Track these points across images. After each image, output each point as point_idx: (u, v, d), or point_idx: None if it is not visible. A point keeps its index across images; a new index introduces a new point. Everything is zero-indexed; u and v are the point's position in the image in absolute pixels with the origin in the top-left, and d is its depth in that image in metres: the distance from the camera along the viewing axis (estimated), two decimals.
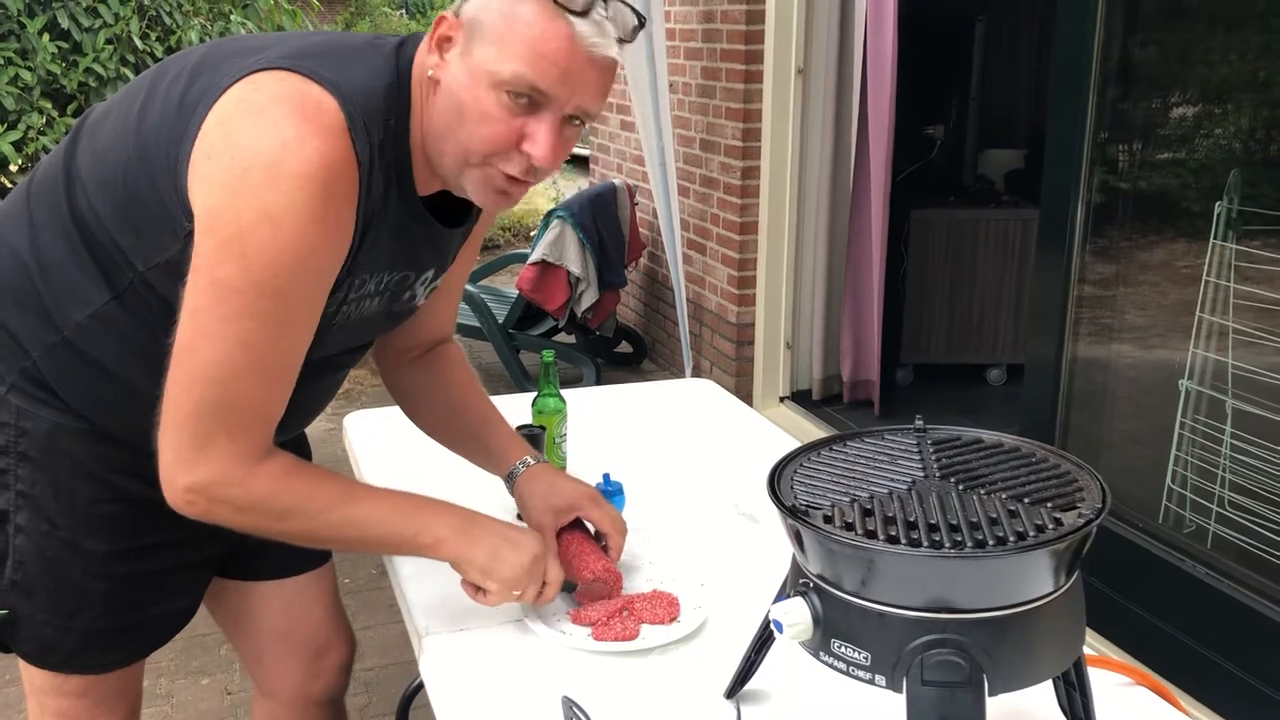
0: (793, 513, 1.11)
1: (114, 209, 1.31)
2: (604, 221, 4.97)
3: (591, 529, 1.60)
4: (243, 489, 1.29)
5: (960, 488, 1.16)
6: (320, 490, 1.35)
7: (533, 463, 1.61)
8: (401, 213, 1.36)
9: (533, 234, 5.46)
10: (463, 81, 1.26)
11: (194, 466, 1.26)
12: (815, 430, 4.16)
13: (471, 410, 1.69)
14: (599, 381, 4.94)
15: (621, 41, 1.27)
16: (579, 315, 4.94)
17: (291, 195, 1.18)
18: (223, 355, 1.23)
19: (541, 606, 1.49)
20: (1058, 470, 1.20)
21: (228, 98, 1.23)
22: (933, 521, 1.08)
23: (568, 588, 1.51)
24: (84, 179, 1.33)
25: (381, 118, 1.27)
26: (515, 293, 4.97)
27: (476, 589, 1.44)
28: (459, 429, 1.68)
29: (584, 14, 1.22)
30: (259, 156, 1.18)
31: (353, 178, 1.23)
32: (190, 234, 1.23)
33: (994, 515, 1.09)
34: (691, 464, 2.08)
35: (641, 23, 1.29)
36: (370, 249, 1.33)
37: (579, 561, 1.52)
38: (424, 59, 1.30)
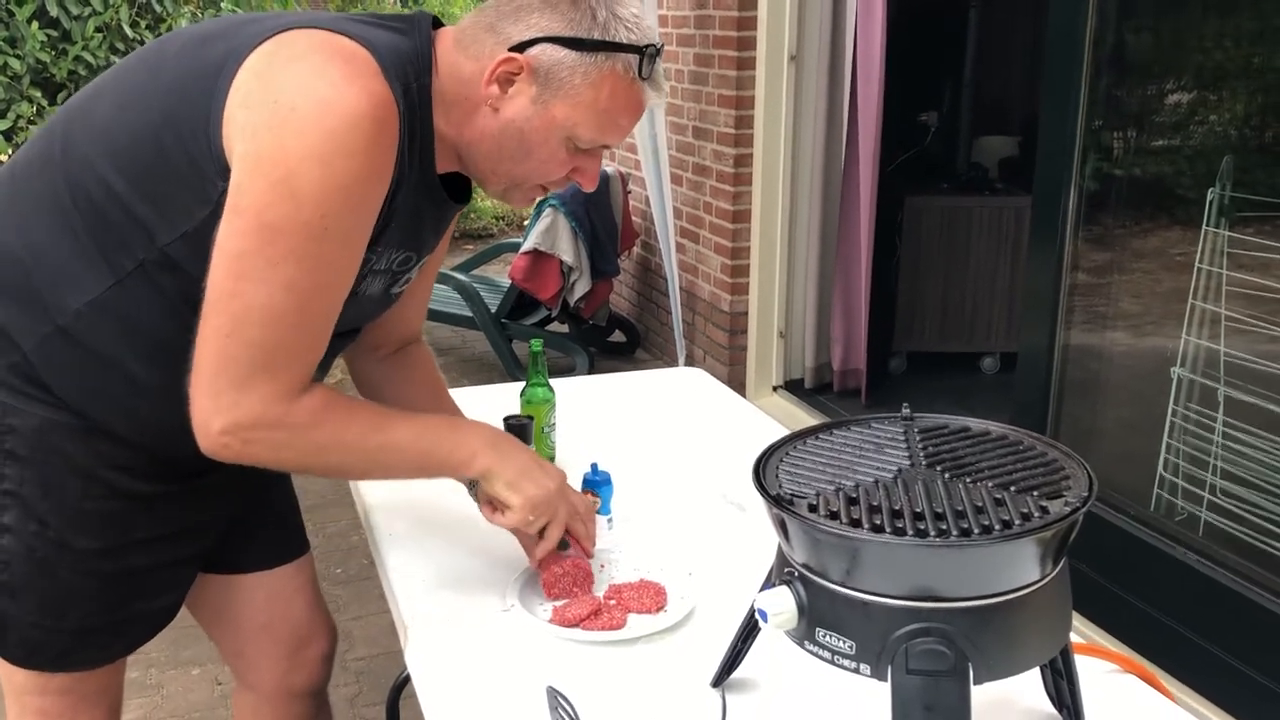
0: (777, 502, 1.11)
1: (129, 181, 1.28)
2: (597, 210, 4.95)
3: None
4: (279, 428, 1.29)
5: (946, 476, 1.15)
6: (356, 420, 1.36)
7: None
8: (420, 188, 1.37)
9: (525, 223, 5.45)
10: (534, 124, 1.32)
11: (232, 409, 1.26)
12: (808, 419, 4.15)
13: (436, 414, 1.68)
14: (592, 371, 4.93)
15: None
16: (572, 304, 4.93)
17: (342, 134, 1.19)
18: (267, 298, 1.23)
19: (539, 559, 1.51)
20: (1045, 458, 1.19)
21: (260, 53, 1.24)
22: (918, 510, 1.08)
23: (563, 546, 1.52)
24: (89, 156, 1.31)
25: (405, 77, 1.29)
26: (508, 282, 4.96)
27: (494, 510, 1.46)
28: None
29: (650, 76, 1.33)
30: (305, 97, 1.19)
31: (394, 121, 1.25)
32: (223, 194, 1.22)
33: (979, 504, 1.09)
34: (680, 453, 2.08)
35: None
36: (398, 217, 1.34)
37: (547, 556, 1.52)
38: (459, 62, 1.32)
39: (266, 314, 1.23)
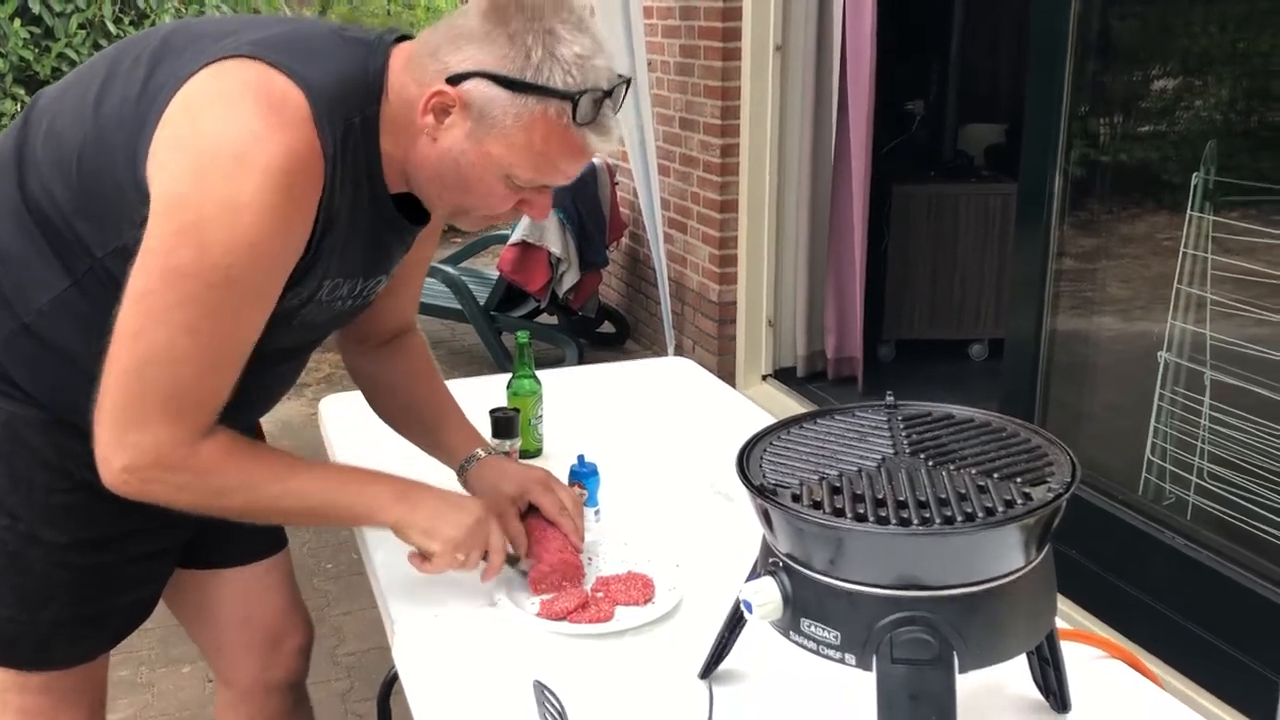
0: (761, 492, 1.11)
1: (70, 193, 1.29)
2: (584, 201, 4.94)
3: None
4: (179, 471, 1.29)
5: (930, 464, 1.15)
6: (258, 465, 1.35)
7: (484, 455, 1.61)
8: (375, 218, 1.36)
9: None
10: (470, 159, 1.28)
11: (133, 448, 1.26)
12: (798, 408, 4.14)
13: (429, 404, 1.68)
14: (581, 362, 4.92)
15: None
16: (561, 296, 4.92)
17: (256, 186, 1.17)
18: (168, 341, 1.22)
19: (491, 579, 1.48)
20: (1028, 445, 1.20)
21: (193, 84, 1.22)
22: (901, 499, 1.08)
23: (512, 561, 1.51)
24: (39, 162, 1.32)
25: (346, 112, 1.26)
26: (496, 274, 4.95)
27: (423, 559, 1.44)
28: (415, 421, 1.68)
29: (593, 121, 1.26)
30: (225, 146, 1.18)
31: (317, 171, 1.23)
32: (146, 220, 1.22)
33: (963, 491, 1.09)
34: (668, 443, 2.08)
35: (629, 84, 1.32)
36: (341, 249, 1.32)
37: (537, 549, 1.52)
38: (407, 84, 1.29)
39: (168, 356, 1.23)
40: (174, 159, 1.20)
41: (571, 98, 1.24)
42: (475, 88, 1.24)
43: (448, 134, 1.28)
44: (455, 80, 1.24)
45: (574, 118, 1.24)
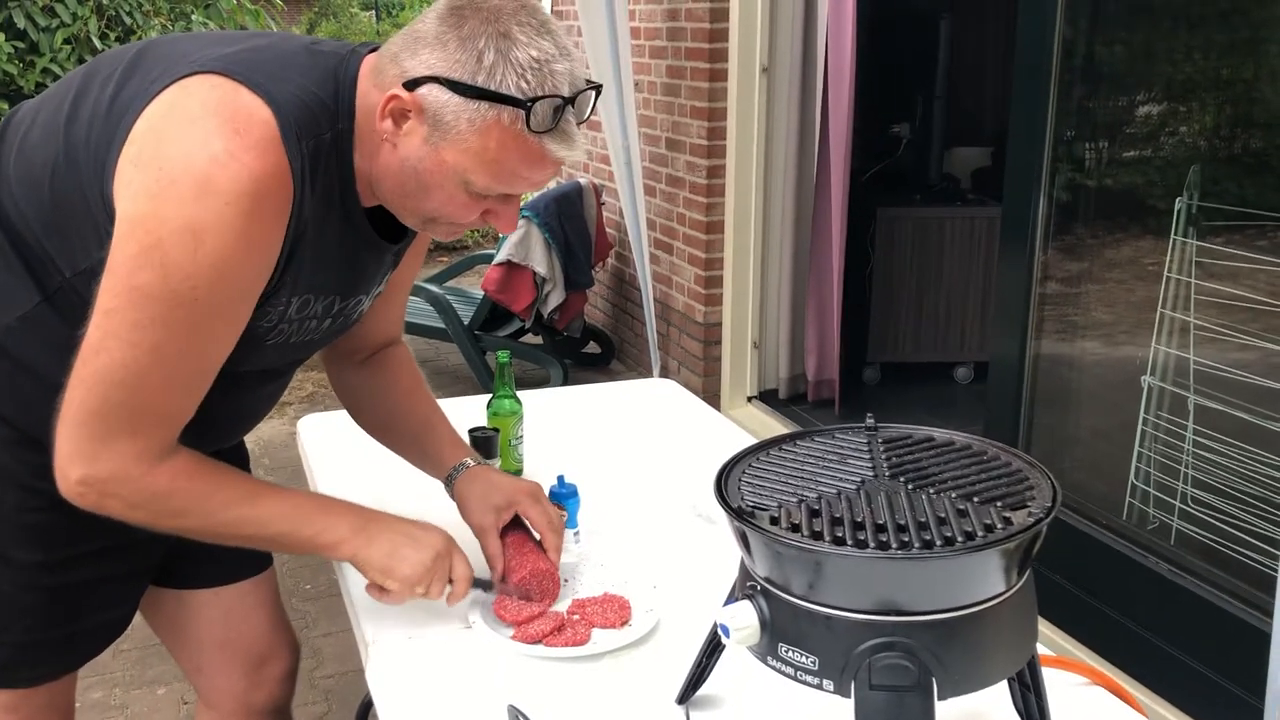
0: (739, 514, 1.09)
1: (39, 210, 1.28)
2: (570, 221, 4.93)
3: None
4: (137, 486, 1.27)
5: (909, 487, 1.14)
6: (219, 489, 1.34)
7: (472, 465, 1.59)
8: (349, 235, 1.34)
9: (499, 235, 5.42)
10: (428, 166, 1.25)
11: (91, 461, 1.24)
12: (782, 430, 4.14)
13: (414, 414, 1.66)
14: (566, 383, 4.91)
15: (580, 124, 1.27)
16: (546, 316, 4.91)
17: (218, 211, 1.16)
18: (131, 360, 1.21)
19: (455, 604, 1.46)
20: (1009, 468, 1.18)
21: (159, 103, 1.20)
22: (880, 522, 1.06)
23: (484, 586, 1.48)
24: (10, 177, 1.31)
25: (317, 129, 1.24)
26: (481, 294, 4.93)
27: (381, 590, 1.42)
28: (401, 433, 1.66)
29: (552, 129, 1.22)
30: (187, 168, 1.16)
31: (284, 193, 1.21)
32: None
33: (943, 515, 1.07)
34: (649, 465, 2.06)
35: (598, 90, 1.28)
36: (311, 267, 1.30)
37: (514, 561, 1.50)
38: (370, 92, 1.26)
39: (130, 375, 1.21)
40: (136, 179, 1.18)
41: (524, 104, 1.19)
42: (430, 92, 1.21)
43: (406, 140, 1.24)
44: (412, 85, 1.21)
45: (528, 125, 1.20)
